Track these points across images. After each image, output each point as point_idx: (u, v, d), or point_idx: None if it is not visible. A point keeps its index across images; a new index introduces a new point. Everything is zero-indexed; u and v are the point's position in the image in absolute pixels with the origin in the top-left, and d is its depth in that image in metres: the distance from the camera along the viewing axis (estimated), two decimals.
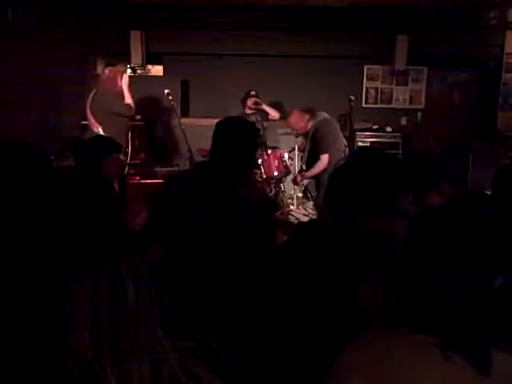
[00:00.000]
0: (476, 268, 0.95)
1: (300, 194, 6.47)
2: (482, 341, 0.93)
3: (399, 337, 1.00)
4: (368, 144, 7.15)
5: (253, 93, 5.98)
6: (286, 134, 6.45)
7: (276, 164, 5.63)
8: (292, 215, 5.96)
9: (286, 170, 5.74)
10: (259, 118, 5.79)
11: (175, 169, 6.46)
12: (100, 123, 4.74)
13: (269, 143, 5.95)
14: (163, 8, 6.78)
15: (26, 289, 1.27)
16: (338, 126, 5.00)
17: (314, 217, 5.59)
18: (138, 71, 7.43)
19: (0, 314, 1.23)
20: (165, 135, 7.21)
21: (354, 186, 1.55)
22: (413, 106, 7.60)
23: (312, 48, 7.01)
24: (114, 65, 5.00)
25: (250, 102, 5.91)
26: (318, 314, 1.45)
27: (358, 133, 7.08)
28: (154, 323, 1.04)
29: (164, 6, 6.75)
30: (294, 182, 5.46)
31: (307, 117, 4.90)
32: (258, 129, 2.74)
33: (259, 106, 5.87)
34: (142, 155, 4.92)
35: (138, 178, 5.54)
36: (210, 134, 2.30)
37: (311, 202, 6.03)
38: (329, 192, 1.62)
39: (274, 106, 6.11)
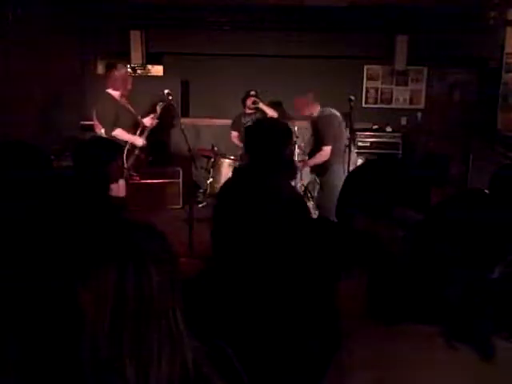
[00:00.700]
0: (474, 261, 0.98)
1: None
2: (483, 329, 0.94)
3: (401, 333, 1.01)
4: (368, 144, 7.15)
5: (253, 93, 6.05)
6: None
7: None
8: None
9: None
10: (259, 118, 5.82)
11: (176, 169, 6.48)
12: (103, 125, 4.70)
13: None
14: (163, 8, 6.78)
15: (37, 286, 1.28)
16: (343, 125, 4.98)
17: (315, 217, 5.58)
18: (138, 71, 7.44)
19: (14, 309, 1.23)
20: (165, 135, 7.22)
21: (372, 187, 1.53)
22: (413, 106, 7.60)
23: (312, 48, 7.01)
24: (114, 65, 4.97)
25: (249, 101, 6.00)
26: (291, 312, 1.44)
27: (358, 133, 7.06)
28: (176, 310, 1.02)
29: (164, 5, 6.75)
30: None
31: (311, 97, 4.81)
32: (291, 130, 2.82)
33: (256, 105, 5.94)
34: (142, 155, 4.92)
35: (137, 177, 5.53)
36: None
37: (311, 202, 6.02)
38: (346, 190, 1.61)
39: (273, 105, 6.14)
